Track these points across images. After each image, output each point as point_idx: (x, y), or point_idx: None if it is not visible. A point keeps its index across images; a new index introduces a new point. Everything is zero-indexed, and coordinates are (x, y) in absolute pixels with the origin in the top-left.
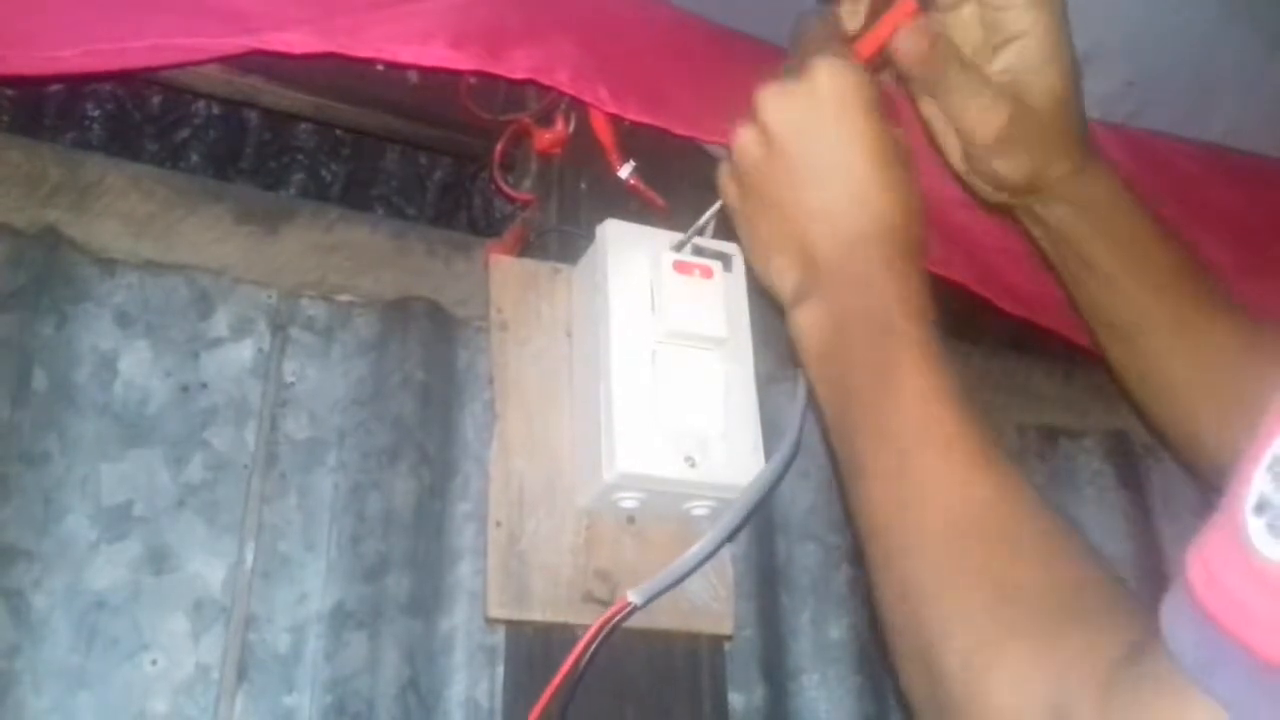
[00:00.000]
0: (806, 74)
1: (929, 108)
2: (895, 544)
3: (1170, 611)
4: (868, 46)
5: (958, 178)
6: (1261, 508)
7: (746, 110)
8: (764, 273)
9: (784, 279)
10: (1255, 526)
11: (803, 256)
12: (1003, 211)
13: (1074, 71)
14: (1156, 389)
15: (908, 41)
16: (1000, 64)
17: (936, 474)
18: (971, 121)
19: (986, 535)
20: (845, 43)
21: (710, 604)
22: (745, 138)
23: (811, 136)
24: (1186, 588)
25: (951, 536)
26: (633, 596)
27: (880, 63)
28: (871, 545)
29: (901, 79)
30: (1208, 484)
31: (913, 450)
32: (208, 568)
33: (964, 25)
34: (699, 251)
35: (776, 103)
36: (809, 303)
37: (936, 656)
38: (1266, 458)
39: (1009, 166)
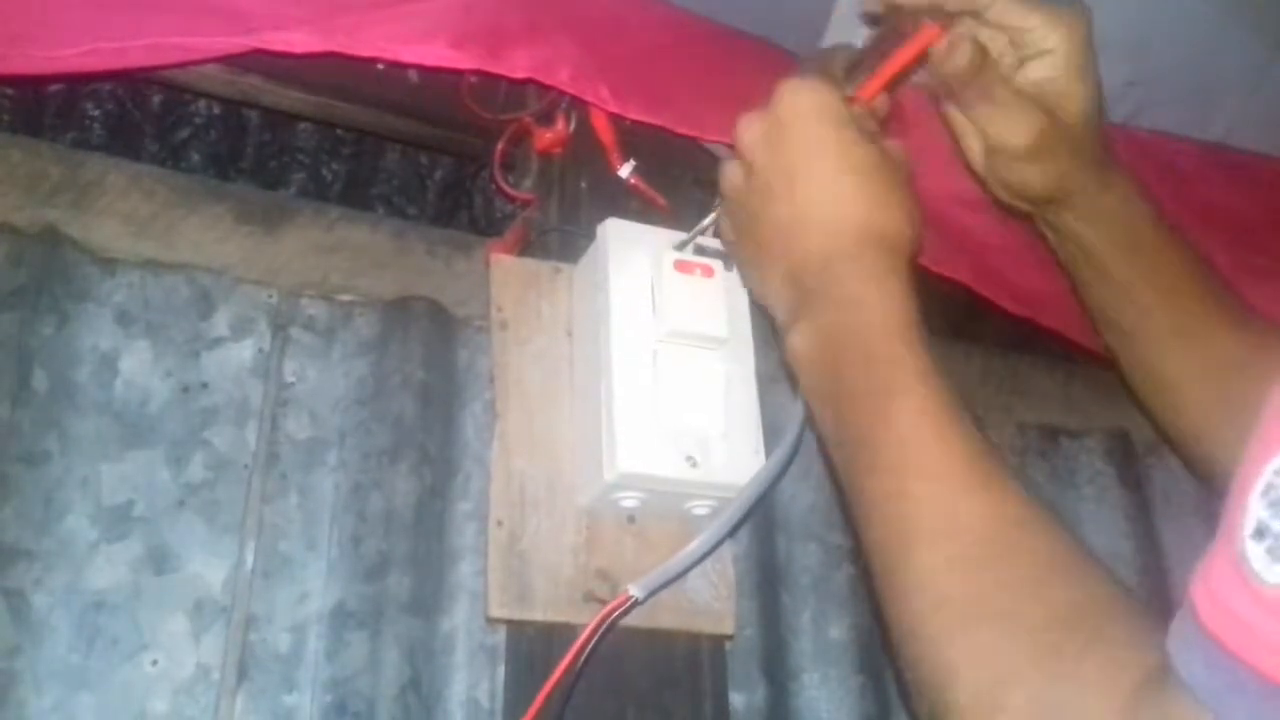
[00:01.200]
0: (772, 99)
1: (953, 113)
2: (899, 580)
3: (1178, 638)
4: (870, 88)
5: (980, 182)
6: (1260, 533)
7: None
8: (760, 297)
9: (777, 301)
10: (1255, 552)
11: (790, 277)
12: (1018, 217)
13: (1098, 86)
14: (1163, 392)
15: (953, 57)
16: (1028, 77)
17: (934, 504)
18: (1002, 131)
19: (989, 565)
20: (830, 75)
21: (711, 603)
22: (728, 170)
23: (783, 159)
24: (1193, 614)
25: (954, 570)
26: (634, 590)
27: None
28: (877, 580)
29: (923, 86)
30: (1213, 486)
31: (907, 481)
32: (208, 567)
33: (989, 41)
34: (700, 251)
35: (748, 131)
36: (800, 326)
37: (948, 699)
38: (1260, 484)
39: (1036, 177)
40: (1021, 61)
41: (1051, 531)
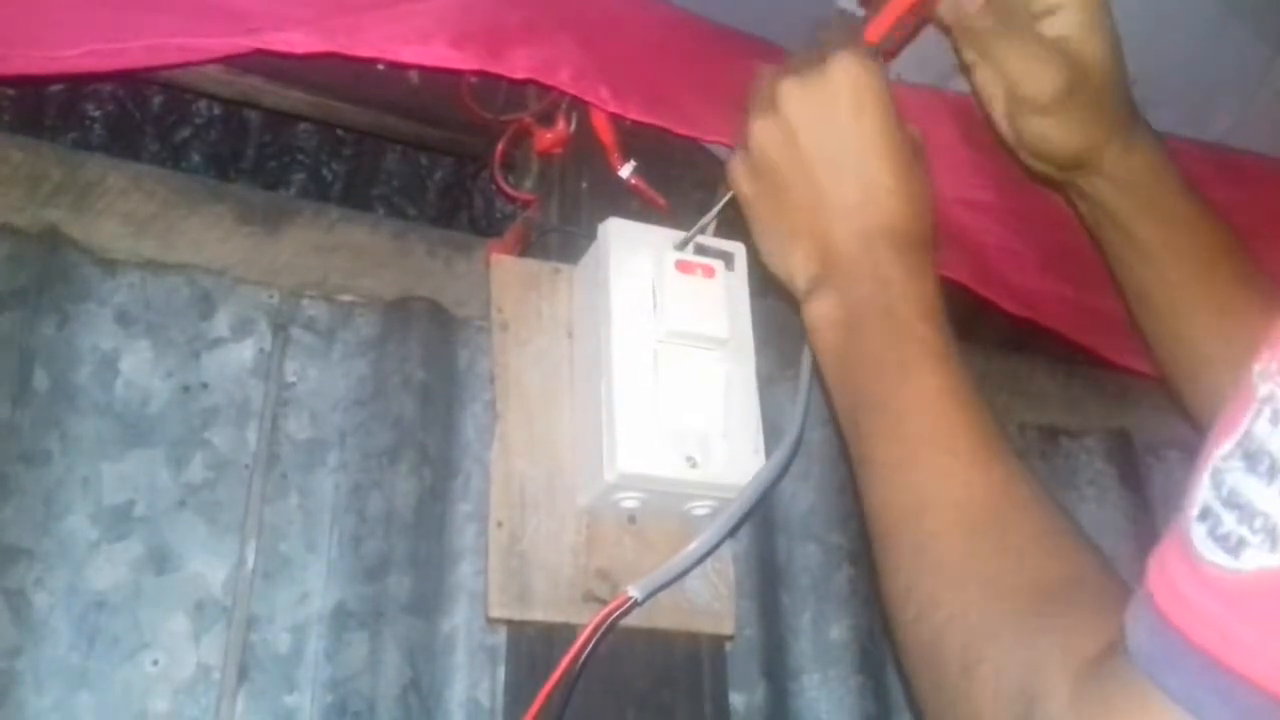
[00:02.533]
0: (825, 68)
1: (982, 71)
2: (902, 542)
3: (1131, 611)
4: (876, 30)
5: (1008, 150)
6: (1204, 515)
7: (760, 100)
8: (777, 263)
9: (798, 270)
10: (1198, 532)
11: (818, 248)
12: (1049, 185)
13: (1117, 44)
14: (1191, 367)
15: None
16: (1046, 33)
17: (942, 474)
18: (1027, 82)
19: (984, 534)
20: (865, 40)
21: (711, 604)
22: (763, 128)
23: (828, 130)
24: (1146, 587)
25: (953, 535)
26: (633, 591)
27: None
28: (879, 543)
29: (955, 37)
30: None
31: (920, 450)
32: (209, 568)
33: None
34: (701, 250)
35: (795, 95)
36: (822, 295)
37: (937, 653)
38: (1210, 466)
39: (1058, 132)
40: (1037, 16)
41: (1046, 509)
